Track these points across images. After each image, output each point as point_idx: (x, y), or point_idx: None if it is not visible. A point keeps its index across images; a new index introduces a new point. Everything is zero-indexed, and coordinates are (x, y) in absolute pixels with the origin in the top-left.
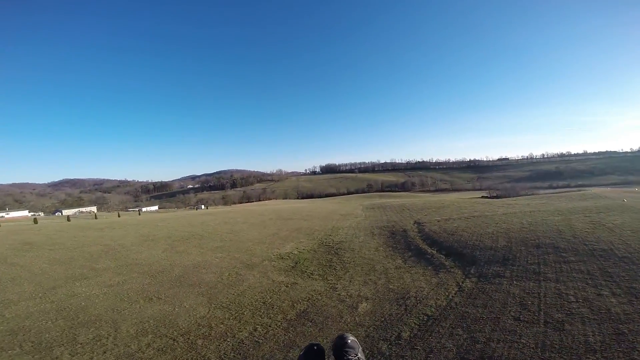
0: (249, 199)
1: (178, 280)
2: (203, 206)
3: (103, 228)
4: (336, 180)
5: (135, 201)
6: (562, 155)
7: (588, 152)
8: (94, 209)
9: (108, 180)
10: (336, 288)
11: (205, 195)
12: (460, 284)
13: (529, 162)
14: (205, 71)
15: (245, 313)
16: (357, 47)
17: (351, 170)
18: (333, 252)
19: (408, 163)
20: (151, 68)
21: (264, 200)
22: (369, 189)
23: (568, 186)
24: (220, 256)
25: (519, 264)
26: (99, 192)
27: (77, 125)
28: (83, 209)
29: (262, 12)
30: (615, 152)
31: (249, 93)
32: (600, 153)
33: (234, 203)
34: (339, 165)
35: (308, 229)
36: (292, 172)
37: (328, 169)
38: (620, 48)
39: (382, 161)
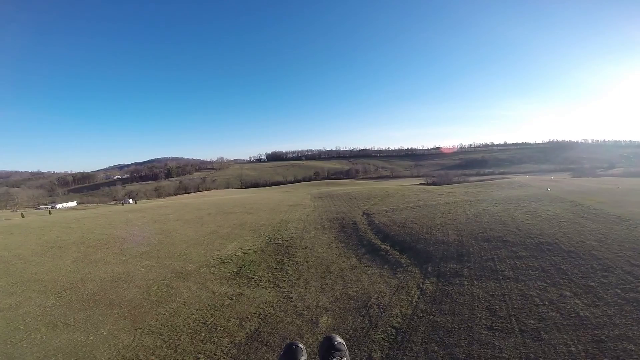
0: (186, 190)
1: (92, 298)
2: (131, 200)
3: None
4: (283, 168)
5: (50, 196)
6: (486, 145)
7: (508, 142)
8: None
9: (17, 173)
10: (291, 297)
11: (135, 186)
12: (421, 285)
13: (459, 151)
14: (136, 47)
15: (181, 339)
16: (303, 31)
17: (298, 158)
18: (283, 251)
19: (352, 151)
20: (70, 40)
21: (203, 190)
22: (316, 176)
23: (492, 173)
24: (147, 264)
25: (475, 261)
26: (4, 186)
27: None
28: None
29: None
30: (529, 143)
31: (187, 73)
32: (517, 144)
33: (169, 195)
34: (286, 153)
35: (253, 224)
36: (236, 160)
37: (274, 157)
38: (539, 50)
39: (328, 149)
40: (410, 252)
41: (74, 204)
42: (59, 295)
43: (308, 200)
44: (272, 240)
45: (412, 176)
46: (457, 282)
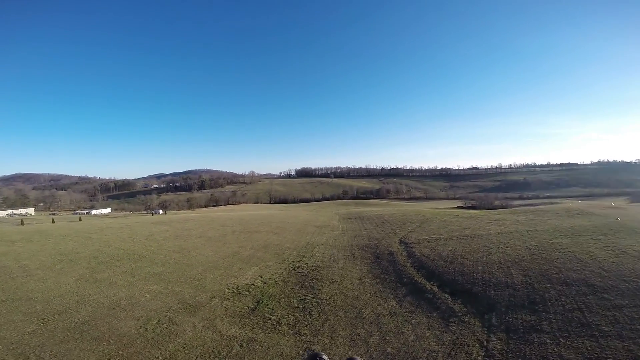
0: (216, 203)
1: (80, 328)
2: (161, 211)
3: (17, 240)
4: (311, 184)
5: (91, 200)
6: (527, 165)
7: (551, 163)
8: (31, 210)
9: (66, 177)
10: (313, 350)
11: (169, 196)
12: (485, 343)
13: (497, 172)
14: (179, 65)
15: None
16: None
17: (327, 175)
18: (307, 284)
19: (383, 169)
20: (121, 59)
21: (233, 204)
22: (344, 195)
23: (537, 197)
24: (155, 290)
25: (555, 310)
26: (54, 188)
27: (35, 115)
28: (18, 211)
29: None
30: (575, 164)
31: (225, 90)
32: (562, 165)
33: (200, 206)
34: (315, 170)
35: (277, 247)
36: (266, 174)
37: (303, 173)
38: (580, 62)
39: (357, 166)
40: (465, 297)
41: (108, 210)
42: (45, 320)
43: (336, 221)
44: (296, 268)
45: (447, 198)
46: (536, 339)
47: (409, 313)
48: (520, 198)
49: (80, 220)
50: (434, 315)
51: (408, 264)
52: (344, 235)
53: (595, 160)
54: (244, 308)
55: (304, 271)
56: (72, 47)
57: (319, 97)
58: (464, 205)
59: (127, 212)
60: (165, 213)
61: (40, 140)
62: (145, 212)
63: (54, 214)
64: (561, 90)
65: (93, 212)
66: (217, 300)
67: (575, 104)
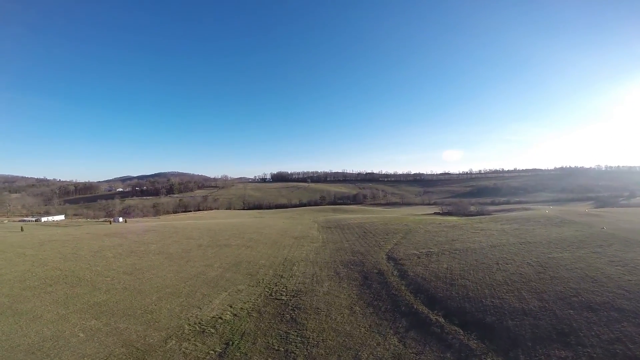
0: (185, 208)
1: None
2: (121, 219)
3: None
4: (288, 189)
5: (46, 205)
6: (496, 171)
7: (518, 169)
8: None
9: (22, 178)
10: None
11: (134, 201)
12: None
13: (468, 177)
14: (151, 63)
15: None
16: (313, 56)
17: (303, 180)
18: (288, 317)
19: (359, 174)
20: (88, 55)
21: (203, 210)
22: (322, 200)
23: (508, 202)
24: (93, 326)
25: (591, 343)
26: (5, 191)
27: None
28: None
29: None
30: (540, 169)
31: (198, 91)
32: (528, 170)
33: (168, 212)
34: (291, 174)
35: (251, 264)
36: (240, 178)
37: (279, 177)
38: (546, 73)
39: (334, 171)
40: (479, 329)
41: (61, 217)
42: None
43: (315, 230)
44: (273, 293)
45: (423, 204)
46: None
47: (416, 354)
48: (493, 203)
49: (21, 230)
50: (448, 356)
51: (402, 287)
52: (325, 249)
53: (558, 166)
54: (209, 353)
55: (283, 297)
56: (33, 42)
57: (296, 100)
58: (440, 212)
59: (83, 220)
60: (126, 221)
61: None
62: (103, 219)
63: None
64: (527, 98)
65: (43, 219)
66: (173, 341)
67: (538, 111)
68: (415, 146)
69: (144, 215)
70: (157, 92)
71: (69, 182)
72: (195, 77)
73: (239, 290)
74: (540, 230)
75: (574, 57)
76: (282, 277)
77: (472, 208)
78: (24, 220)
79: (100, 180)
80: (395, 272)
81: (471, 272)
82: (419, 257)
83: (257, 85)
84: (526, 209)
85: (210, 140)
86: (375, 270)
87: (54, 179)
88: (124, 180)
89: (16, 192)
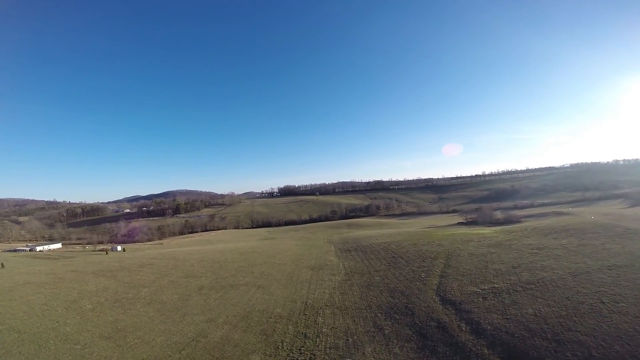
0: (192, 229)
1: None
2: (119, 247)
3: None
4: (296, 204)
5: (50, 229)
6: (509, 172)
7: (531, 168)
8: None
9: (33, 201)
10: None
11: (140, 223)
12: None
13: (482, 180)
14: (159, 84)
15: None
16: (315, 69)
17: (312, 192)
18: None
19: (368, 183)
20: (99, 76)
21: (211, 230)
22: (332, 215)
23: (532, 205)
24: None
25: None
26: (15, 215)
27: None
28: None
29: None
30: (554, 167)
31: (203, 108)
32: (541, 169)
33: (173, 234)
34: (299, 187)
35: (264, 314)
36: (247, 193)
37: (287, 191)
38: (549, 69)
39: (341, 181)
40: None
41: (57, 245)
42: None
43: (333, 255)
44: None
45: (440, 212)
46: None
47: None
48: (516, 207)
49: (1, 267)
50: None
51: (485, 350)
52: (351, 285)
53: (573, 163)
54: None
55: None
56: (43, 64)
57: (300, 113)
58: (464, 221)
59: (80, 248)
60: (124, 250)
61: (6, 164)
62: (100, 248)
63: None
64: (534, 96)
65: (38, 248)
66: None
67: (543, 110)
68: (421, 151)
69: (149, 239)
70: (164, 109)
71: (77, 204)
72: (199, 88)
73: None
74: (613, 246)
75: (579, 53)
76: (305, 336)
77: (498, 215)
78: (16, 250)
79: (110, 201)
80: (462, 325)
81: (574, 318)
82: (484, 298)
83: (263, 100)
84: (558, 213)
85: (217, 156)
86: (432, 323)
87: (64, 201)
88: (132, 200)
89: (25, 215)
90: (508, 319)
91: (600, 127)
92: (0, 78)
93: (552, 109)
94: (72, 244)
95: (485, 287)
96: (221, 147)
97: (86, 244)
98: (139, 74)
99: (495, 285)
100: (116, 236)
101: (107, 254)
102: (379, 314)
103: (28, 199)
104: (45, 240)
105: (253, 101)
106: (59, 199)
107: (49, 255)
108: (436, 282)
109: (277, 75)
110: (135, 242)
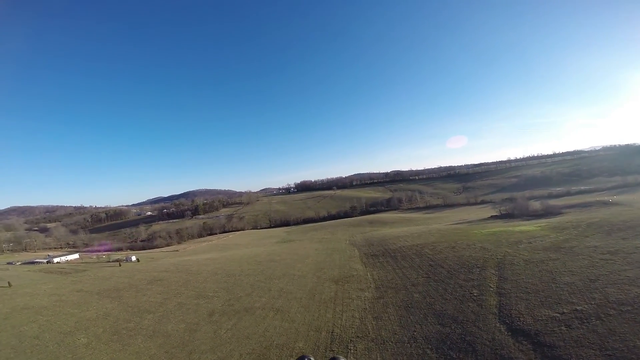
0: (211, 231)
1: None
2: (134, 257)
3: None
4: (314, 199)
5: (75, 234)
6: (535, 157)
7: (557, 152)
8: None
9: (62, 207)
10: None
11: (159, 226)
12: None
13: (508, 167)
14: (177, 86)
15: None
16: (325, 61)
17: (329, 187)
18: None
19: (387, 174)
20: (121, 79)
21: (229, 231)
22: (352, 210)
23: (569, 193)
24: None
25: None
26: (44, 222)
27: (31, 145)
28: None
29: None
30: (582, 151)
31: (221, 107)
32: (569, 152)
33: (192, 237)
34: (315, 182)
35: (284, 350)
36: (265, 190)
37: (303, 187)
38: (568, 51)
39: (356, 173)
40: None
41: (75, 256)
42: None
43: (358, 262)
44: None
45: (468, 203)
46: None
47: None
48: (551, 196)
49: (9, 285)
50: None
51: None
52: (385, 305)
53: (606, 145)
54: None
55: None
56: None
57: (313, 106)
58: (498, 214)
59: (95, 258)
60: (139, 260)
61: (38, 171)
62: (115, 259)
63: (11, 262)
64: (550, 80)
65: (56, 259)
66: None
67: (564, 92)
68: (439, 138)
69: (167, 244)
70: (185, 111)
71: (103, 208)
72: (215, 91)
73: None
74: None
75: (596, 33)
76: None
77: (536, 206)
78: (34, 262)
79: (134, 203)
80: None
81: None
82: (568, 326)
83: (278, 96)
84: (605, 203)
85: (234, 154)
86: None
87: (91, 206)
88: (154, 202)
89: (54, 222)
90: (611, 356)
91: (625, 109)
92: (41, 92)
93: (575, 92)
94: (93, 252)
95: (565, 310)
96: (238, 145)
97: (104, 251)
98: (164, 81)
99: (577, 307)
100: (136, 241)
101: (120, 265)
102: (427, 351)
103: (57, 205)
104: (70, 247)
105: (265, 98)
106: (86, 204)
107: (62, 269)
108: (495, 302)
109: (288, 71)
110: (154, 247)
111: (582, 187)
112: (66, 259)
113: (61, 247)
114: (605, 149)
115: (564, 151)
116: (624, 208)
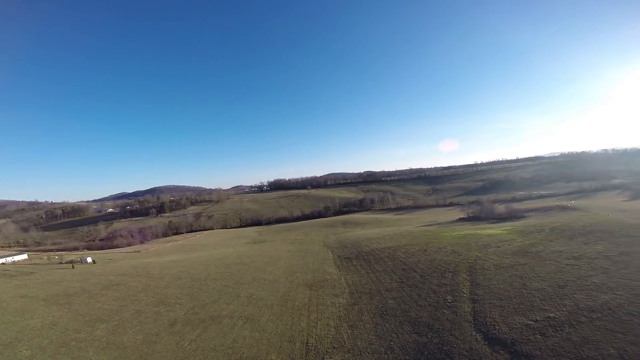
0: (176, 230)
1: None
2: (89, 259)
3: None
4: (287, 199)
5: (27, 232)
6: (499, 161)
7: (520, 157)
8: None
9: (14, 202)
10: None
11: (121, 224)
12: None
13: (475, 170)
14: (145, 78)
15: None
16: (304, 59)
17: (303, 186)
18: None
19: (360, 175)
20: (82, 63)
21: (196, 230)
22: (326, 210)
23: (530, 197)
24: None
25: None
26: None
27: None
28: None
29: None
30: (543, 157)
31: (190, 100)
32: (530, 158)
33: (156, 237)
34: (289, 181)
35: None
36: (237, 187)
37: (277, 185)
38: (534, 58)
39: (330, 172)
40: None
41: (23, 257)
42: None
43: (332, 266)
44: None
45: (437, 205)
46: None
47: None
48: (515, 200)
49: None
50: None
51: None
52: (360, 312)
53: (564, 152)
54: None
55: None
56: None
57: (289, 104)
58: (465, 216)
59: (45, 259)
60: (94, 262)
61: None
62: (68, 260)
63: None
64: (520, 86)
65: (1, 260)
66: None
67: (530, 100)
68: (412, 140)
69: (129, 244)
70: (151, 104)
71: (59, 204)
72: (185, 81)
73: None
74: None
75: (565, 45)
76: None
77: (501, 209)
78: None
79: (94, 199)
80: None
81: None
82: (543, 334)
83: (250, 90)
84: (564, 207)
85: (205, 149)
86: None
87: (45, 202)
88: (118, 197)
89: (4, 218)
90: None
91: (581, 117)
92: None
93: (537, 99)
94: (46, 251)
95: (538, 318)
96: (209, 141)
97: (57, 250)
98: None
99: (550, 315)
100: (94, 240)
101: (73, 267)
102: None
103: (9, 200)
104: (20, 247)
105: (240, 93)
106: (41, 199)
107: (6, 271)
108: (469, 309)
109: (264, 67)
110: (114, 247)
111: (542, 192)
112: (12, 260)
113: (9, 246)
114: (563, 156)
115: (525, 157)
116: (582, 213)
